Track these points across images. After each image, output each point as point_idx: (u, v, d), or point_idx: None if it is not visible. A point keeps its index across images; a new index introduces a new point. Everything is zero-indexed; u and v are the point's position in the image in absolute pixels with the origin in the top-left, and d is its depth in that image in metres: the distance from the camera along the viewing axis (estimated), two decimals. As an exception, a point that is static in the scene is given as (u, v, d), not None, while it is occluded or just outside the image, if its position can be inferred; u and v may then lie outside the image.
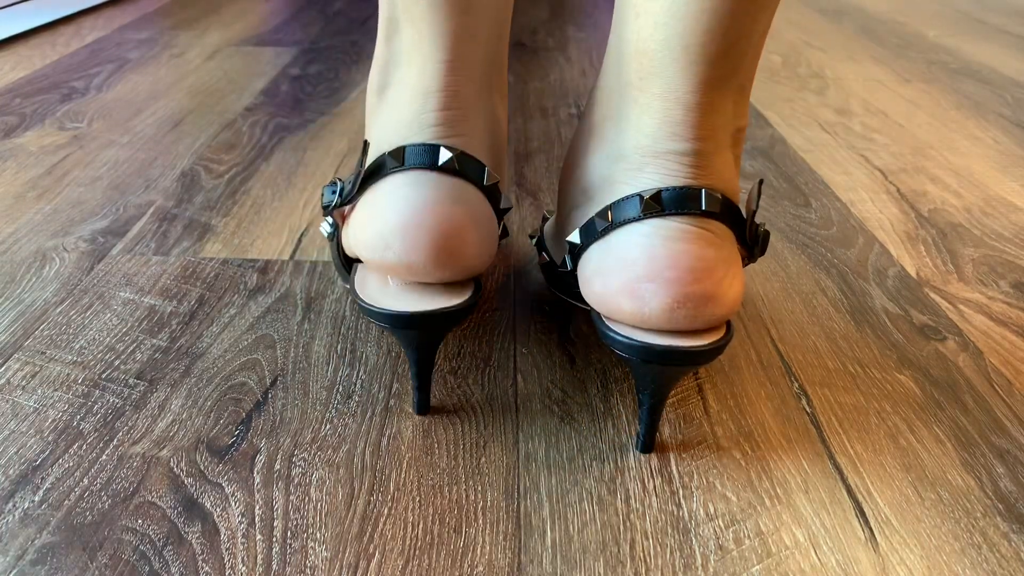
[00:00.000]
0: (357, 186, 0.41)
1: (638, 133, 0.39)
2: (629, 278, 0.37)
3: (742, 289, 0.39)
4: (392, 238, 0.38)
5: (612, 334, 0.38)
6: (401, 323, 0.39)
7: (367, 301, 0.40)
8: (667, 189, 0.38)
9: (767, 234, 0.42)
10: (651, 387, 0.39)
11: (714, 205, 0.38)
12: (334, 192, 0.42)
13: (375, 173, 0.40)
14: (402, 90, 0.41)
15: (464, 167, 0.40)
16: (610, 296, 0.38)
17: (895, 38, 1.32)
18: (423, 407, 0.43)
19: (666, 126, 0.38)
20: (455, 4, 0.39)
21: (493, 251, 0.42)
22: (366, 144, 0.41)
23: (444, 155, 0.39)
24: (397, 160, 0.40)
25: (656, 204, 0.38)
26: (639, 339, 0.38)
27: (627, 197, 0.39)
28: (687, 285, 0.36)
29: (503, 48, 0.45)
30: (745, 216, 0.40)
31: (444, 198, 0.39)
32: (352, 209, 0.42)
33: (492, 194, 0.41)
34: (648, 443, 0.41)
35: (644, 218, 0.38)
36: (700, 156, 0.38)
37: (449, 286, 0.41)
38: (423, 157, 0.39)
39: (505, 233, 0.48)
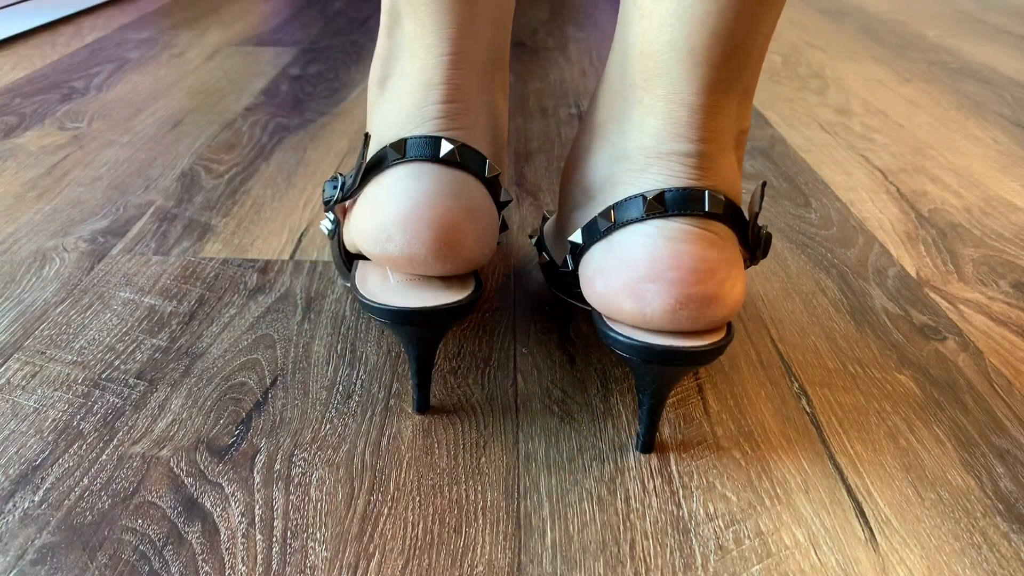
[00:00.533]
0: (359, 179, 0.41)
1: (642, 134, 0.39)
2: (631, 278, 0.37)
3: (744, 291, 0.39)
4: (394, 229, 0.38)
5: (613, 334, 0.39)
6: (402, 319, 0.39)
7: (368, 297, 0.40)
8: (670, 190, 0.38)
9: (769, 236, 0.42)
10: (651, 387, 0.39)
11: (717, 207, 0.38)
12: (335, 187, 0.43)
13: (377, 165, 0.40)
14: (404, 82, 0.41)
15: (465, 159, 0.40)
16: (612, 296, 0.38)
17: (895, 38, 1.32)
18: (423, 406, 0.43)
19: (670, 127, 0.38)
20: None
21: (494, 244, 0.42)
22: (367, 137, 0.41)
23: (445, 147, 0.39)
24: (399, 152, 0.40)
25: (659, 205, 0.38)
26: (640, 339, 0.38)
27: (630, 197, 0.39)
28: (689, 286, 0.36)
29: (505, 43, 0.45)
30: (748, 218, 0.40)
31: (445, 190, 0.39)
32: (354, 204, 0.43)
33: (493, 186, 0.41)
34: (648, 443, 0.41)
35: (647, 219, 0.38)
36: (704, 158, 0.38)
37: (450, 283, 0.41)
38: (425, 149, 0.39)
39: (504, 226, 0.48)
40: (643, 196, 0.38)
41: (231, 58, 1.13)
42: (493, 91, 0.44)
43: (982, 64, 1.16)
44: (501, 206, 0.43)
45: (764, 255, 0.42)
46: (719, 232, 0.38)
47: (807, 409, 0.44)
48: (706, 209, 0.38)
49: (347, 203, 0.44)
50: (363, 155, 0.40)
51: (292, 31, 1.30)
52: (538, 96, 0.99)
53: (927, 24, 1.42)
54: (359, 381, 0.45)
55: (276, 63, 1.11)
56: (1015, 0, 1.62)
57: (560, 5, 1.55)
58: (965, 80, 1.08)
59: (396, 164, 0.40)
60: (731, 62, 0.37)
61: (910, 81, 1.08)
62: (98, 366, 0.46)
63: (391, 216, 0.39)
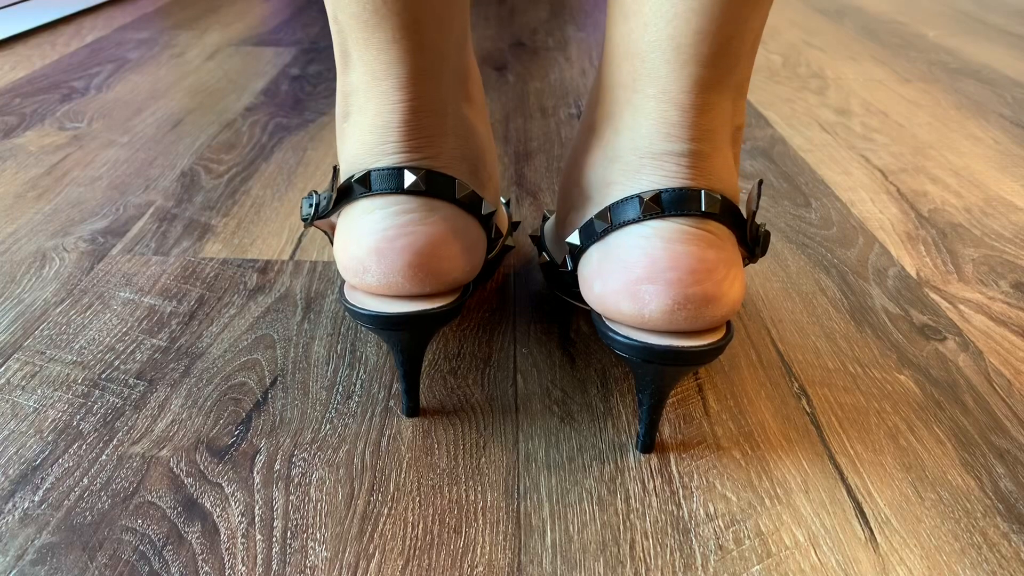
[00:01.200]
0: (331, 205, 0.41)
1: (634, 134, 0.39)
2: (629, 280, 0.37)
3: (743, 290, 0.39)
4: (369, 261, 0.39)
5: (612, 334, 0.39)
6: (385, 324, 0.39)
7: (353, 303, 0.40)
8: (666, 190, 0.38)
9: (767, 234, 0.42)
10: (651, 387, 0.39)
11: (714, 206, 0.38)
12: (310, 205, 0.43)
13: (345, 196, 0.40)
14: (363, 120, 0.41)
15: (432, 185, 0.40)
16: (610, 298, 0.38)
17: (895, 38, 1.32)
18: (412, 411, 0.43)
19: (661, 127, 0.38)
20: (406, 48, 0.39)
21: (477, 260, 0.42)
22: (335, 169, 0.41)
23: (409, 178, 0.39)
24: (364, 186, 0.40)
25: (655, 205, 0.38)
26: (639, 339, 0.38)
27: (626, 199, 0.39)
28: (688, 286, 0.36)
29: (467, 59, 0.45)
30: (745, 217, 0.40)
31: (413, 219, 0.39)
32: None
33: (469, 205, 0.41)
34: (648, 443, 0.41)
35: (644, 219, 0.38)
36: (697, 157, 0.38)
37: None
38: (388, 182, 0.39)
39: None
40: (639, 197, 0.38)
41: (231, 58, 1.13)
42: (459, 109, 0.43)
43: (982, 64, 1.16)
44: (486, 220, 0.42)
45: (763, 253, 0.42)
46: (716, 232, 0.38)
47: (807, 409, 0.44)
48: (703, 209, 0.37)
49: (333, 218, 0.44)
50: (332, 185, 0.40)
51: (292, 31, 1.30)
52: (538, 96, 0.99)
53: (927, 24, 1.42)
54: (359, 381, 0.45)
55: (276, 63, 1.11)
56: (1015, 0, 1.62)
57: (560, 5, 1.55)
58: (965, 80, 1.08)
59: (363, 197, 0.40)
60: (720, 60, 0.37)
61: (910, 81, 1.08)
62: (98, 366, 0.46)
63: (364, 248, 0.39)
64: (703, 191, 0.38)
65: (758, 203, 0.39)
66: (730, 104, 0.39)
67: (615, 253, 0.38)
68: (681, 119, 0.38)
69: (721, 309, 0.37)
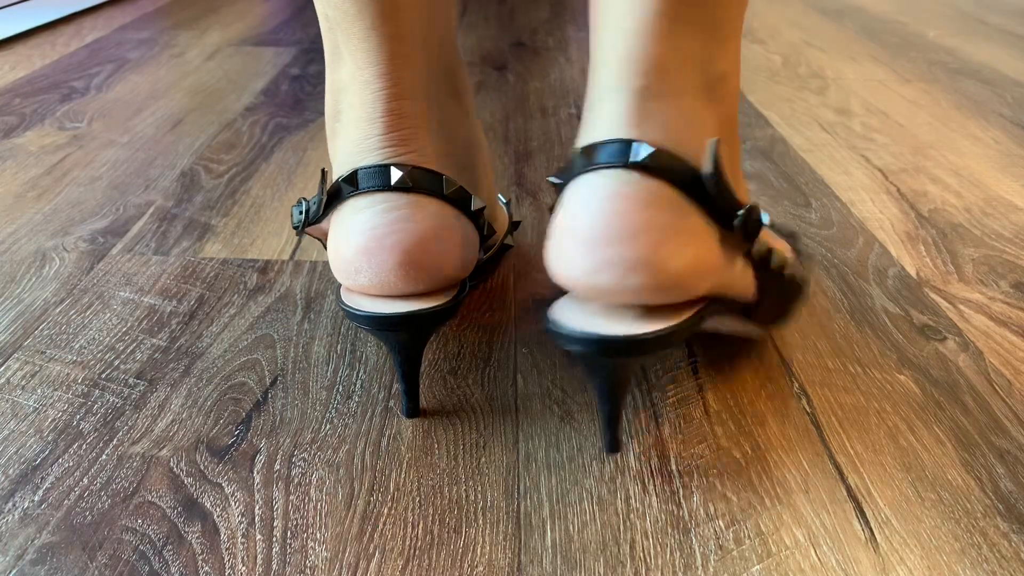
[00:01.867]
0: (321, 210, 0.41)
1: (593, 79, 0.37)
2: (554, 240, 0.36)
3: (695, 260, 0.35)
4: (359, 262, 0.39)
5: (550, 326, 0.36)
6: (382, 325, 0.39)
7: (348, 304, 0.40)
8: (601, 142, 0.35)
9: (758, 220, 0.37)
10: (596, 381, 0.37)
11: (647, 159, 0.34)
12: (300, 212, 0.43)
13: (335, 198, 0.41)
14: (350, 116, 0.41)
15: (418, 182, 0.39)
16: (547, 261, 0.37)
17: (895, 38, 1.32)
18: (412, 411, 0.43)
19: (614, 63, 0.35)
20: (385, 34, 0.39)
21: (469, 256, 0.41)
22: (324, 173, 0.41)
23: (395, 174, 0.39)
24: (351, 185, 0.40)
25: (587, 158, 0.35)
26: (585, 330, 0.35)
27: (572, 157, 0.37)
28: (602, 248, 0.34)
29: (451, 52, 0.45)
30: (708, 184, 0.35)
31: (403, 215, 0.39)
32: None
33: (458, 200, 0.41)
34: (611, 443, 0.38)
35: (579, 174, 0.35)
36: (642, 98, 0.35)
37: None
38: (375, 179, 0.39)
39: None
40: (577, 150, 0.36)
41: (231, 58, 1.13)
42: (445, 103, 0.43)
43: (982, 64, 1.16)
44: (475, 216, 0.42)
45: (755, 235, 0.38)
46: (654, 190, 0.34)
47: (807, 409, 0.44)
48: (629, 160, 0.34)
49: (324, 223, 0.43)
50: (322, 188, 0.41)
51: (292, 31, 1.30)
52: (538, 96, 0.99)
53: (927, 24, 1.42)
54: (359, 381, 0.45)
55: (276, 63, 1.11)
56: (1015, 0, 1.62)
57: (560, 5, 1.55)
58: (965, 80, 1.08)
59: (351, 197, 0.40)
60: None
61: (910, 81, 1.08)
62: (98, 366, 0.46)
63: (354, 249, 0.39)
64: (634, 142, 0.34)
65: (714, 165, 0.35)
66: (701, 45, 0.35)
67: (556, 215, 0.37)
68: (629, 48, 0.35)
69: (654, 276, 0.34)
